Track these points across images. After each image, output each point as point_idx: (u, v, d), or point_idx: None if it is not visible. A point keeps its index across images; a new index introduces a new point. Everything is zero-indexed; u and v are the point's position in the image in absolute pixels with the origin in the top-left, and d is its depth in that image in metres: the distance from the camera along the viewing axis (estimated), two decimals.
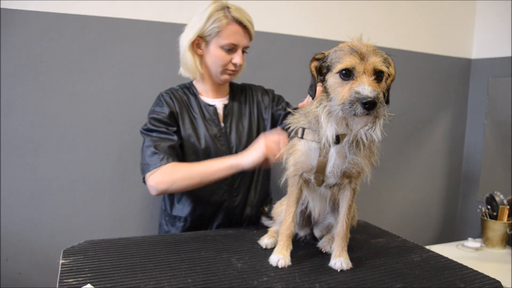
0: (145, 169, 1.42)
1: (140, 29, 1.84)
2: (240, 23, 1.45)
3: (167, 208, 1.58)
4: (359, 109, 0.93)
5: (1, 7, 1.62)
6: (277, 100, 1.65)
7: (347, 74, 0.97)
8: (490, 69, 2.58)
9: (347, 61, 0.97)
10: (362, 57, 0.97)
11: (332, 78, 1.00)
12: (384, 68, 0.99)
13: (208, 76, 1.54)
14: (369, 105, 0.92)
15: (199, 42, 1.49)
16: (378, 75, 0.98)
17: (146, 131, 1.47)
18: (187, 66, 1.53)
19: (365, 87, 0.93)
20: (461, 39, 2.66)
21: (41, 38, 1.70)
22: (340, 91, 0.98)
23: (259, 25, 2.06)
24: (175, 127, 1.48)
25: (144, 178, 1.44)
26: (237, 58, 1.47)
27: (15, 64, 1.67)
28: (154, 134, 1.45)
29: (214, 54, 1.47)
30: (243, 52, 1.51)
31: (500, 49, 2.52)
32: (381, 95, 0.95)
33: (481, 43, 2.66)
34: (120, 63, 1.83)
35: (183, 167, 1.39)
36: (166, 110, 1.48)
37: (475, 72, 2.69)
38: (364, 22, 2.32)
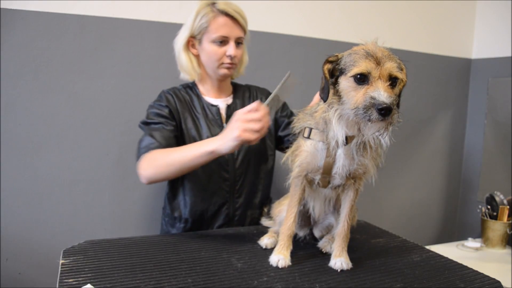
0: (137, 157, 1.41)
1: (140, 29, 1.84)
2: (227, 14, 1.43)
3: (166, 208, 1.57)
4: (375, 114, 0.91)
5: (1, 7, 1.62)
6: (282, 106, 1.63)
7: (362, 78, 0.96)
8: (490, 69, 2.58)
9: (362, 66, 0.95)
10: (377, 62, 0.95)
11: (346, 82, 0.99)
12: (399, 75, 0.98)
13: (207, 76, 1.54)
14: (385, 111, 0.90)
15: (193, 43, 1.49)
16: (392, 81, 0.97)
17: (143, 124, 1.47)
18: (183, 68, 1.53)
19: (381, 92, 0.92)
20: (461, 39, 2.66)
21: (41, 38, 1.70)
22: (354, 95, 0.97)
23: (259, 25, 2.06)
24: (174, 122, 1.46)
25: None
26: (230, 49, 1.45)
27: (15, 64, 1.67)
28: (151, 126, 1.44)
29: (207, 50, 1.46)
30: (239, 43, 1.49)
31: (500, 49, 2.52)
32: (395, 101, 0.94)
33: (481, 43, 2.66)
34: (120, 63, 1.83)
35: (162, 154, 1.35)
36: (166, 109, 1.47)
37: (475, 72, 2.69)
38: (364, 22, 2.32)
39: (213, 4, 1.44)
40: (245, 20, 1.49)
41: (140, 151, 1.40)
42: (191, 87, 1.57)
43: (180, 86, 1.57)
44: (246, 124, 1.17)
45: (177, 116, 1.49)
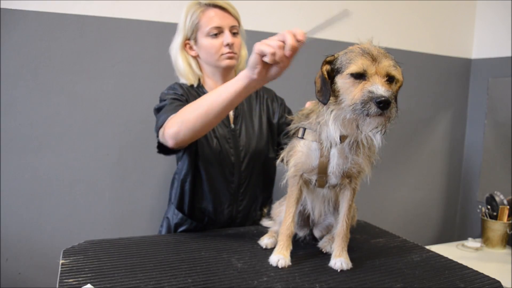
0: (159, 126, 1.33)
1: (140, 29, 1.84)
2: (215, 6, 1.43)
3: (175, 203, 1.55)
4: (373, 108, 0.91)
5: (1, 7, 1.62)
6: (287, 113, 1.60)
7: (359, 75, 0.96)
8: (490, 69, 2.58)
9: (359, 62, 0.96)
10: (374, 59, 0.96)
11: (343, 80, 0.99)
12: (396, 74, 0.98)
13: (210, 76, 1.52)
14: (384, 104, 0.90)
15: (190, 45, 1.49)
16: (389, 77, 0.97)
17: (160, 105, 1.41)
18: (181, 73, 1.52)
19: (379, 86, 0.92)
20: (461, 39, 2.66)
21: (41, 38, 1.70)
22: (351, 91, 0.97)
23: (259, 25, 2.06)
24: None
25: (158, 142, 1.35)
26: (226, 38, 1.44)
27: (15, 64, 1.68)
28: (169, 103, 1.38)
29: (204, 45, 1.45)
30: (235, 33, 1.48)
31: (500, 49, 2.52)
32: (393, 95, 0.94)
33: (481, 43, 2.66)
34: (120, 63, 1.83)
35: (188, 105, 1.28)
36: (183, 97, 1.44)
37: (475, 72, 2.69)
38: (364, 22, 2.32)
39: (199, 2, 1.45)
40: (235, 10, 1.48)
41: (161, 120, 1.31)
42: (197, 86, 1.55)
43: (186, 85, 1.54)
44: (262, 43, 1.08)
45: None
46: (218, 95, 1.19)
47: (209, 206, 1.50)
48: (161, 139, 1.34)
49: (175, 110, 1.32)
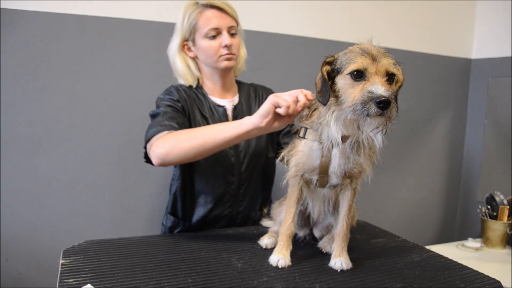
0: (147, 139, 1.34)
1: (140, 29, 1.84)
2: (212, 6, 1.43)
3: (169, 209, 1.56)
4: (373, 108, 0.91)
5: (1, 7, 1.62)
6: None
7: (359, 75, 0.96)
8: (490, 69, 2.58)
9: (358, 62, 0.96)
10: (373, 58, 0.96)
11: (343, 80, 0.99)
12: (395, 71, 0.98)
13: (209, 76, 1.52)
14: (384, 105, 0.90)
15: (188, 46, 1.49)
16: (389, 77, 0.97)
17: (155, 112, 1.42)
18: (179, 74, 1.52)
19: (379, 86, 0.92)
20: (461, 39, 2.66)
21: (41, 38, 1.70)
22: (351, 92, 0.96)
23: (259, 25, 2.06)
24: (185, 118, 1.43)
25: (146, 152, 1.37)
26: (224, 39, 1.43)
27: (15, 64, 1.68)
28: (162, 113, 1.39)
29: (202, 47, 1.45)
30: (233, 34, 1.47)
31: (500, 49, 2.52)
32: (393, 95, 0.94)
33: (481, 43, 2.66)
34: (120, 63, 1.83)
35: (186, 130, 1.32)
36: (178, 103, 1.44)
37: (475, 72, 2.69)
38: (364, 22, 2.32)
39: (197, 2, 1.44)
40: (233, 10, 1.47)
41: (151, 134, 1.33)
42: (196, 87, 1.54)
43: (184, 86, 1.54)
44: (281, 95, 1.15)
45: (187, 112, 1.45)
46: (217, 133, 1.23)
47: (209, 208, 1.50)
48: (148, 153, 1.35)
49: (167, 125, 1.33)
